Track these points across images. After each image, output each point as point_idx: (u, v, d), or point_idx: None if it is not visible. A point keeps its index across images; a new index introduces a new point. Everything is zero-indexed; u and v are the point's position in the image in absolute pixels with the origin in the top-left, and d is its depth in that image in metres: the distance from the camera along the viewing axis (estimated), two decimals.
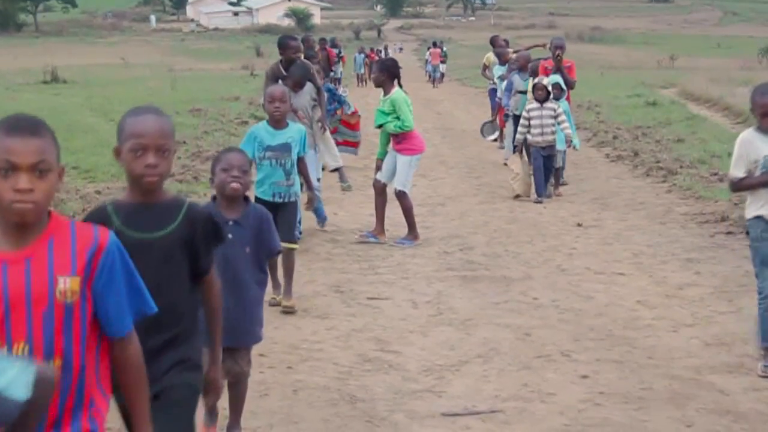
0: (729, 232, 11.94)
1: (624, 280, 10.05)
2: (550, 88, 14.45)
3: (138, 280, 3.35)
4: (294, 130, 9.02)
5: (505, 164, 16.60)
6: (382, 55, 47.68)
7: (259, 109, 17.46)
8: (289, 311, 8.74)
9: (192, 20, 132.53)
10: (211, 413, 5.78)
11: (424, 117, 24.47)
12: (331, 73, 27.19)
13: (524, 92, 15.82)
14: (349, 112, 15.49)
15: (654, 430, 6.31)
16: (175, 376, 4.01)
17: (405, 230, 11.83)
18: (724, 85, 32.35)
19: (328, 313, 8.94)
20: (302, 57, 13.75)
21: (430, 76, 47.46)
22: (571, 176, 16.09)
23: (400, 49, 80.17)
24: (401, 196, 11.68)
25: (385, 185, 11.77)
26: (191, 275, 4.18)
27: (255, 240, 5.78)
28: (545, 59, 16.05)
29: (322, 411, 6.61)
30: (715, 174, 15.53)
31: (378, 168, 11.85)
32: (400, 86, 11.64)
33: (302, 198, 9.85)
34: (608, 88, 33.64)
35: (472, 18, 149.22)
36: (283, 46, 12.57)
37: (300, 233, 11.44)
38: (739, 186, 7.31)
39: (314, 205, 10.28)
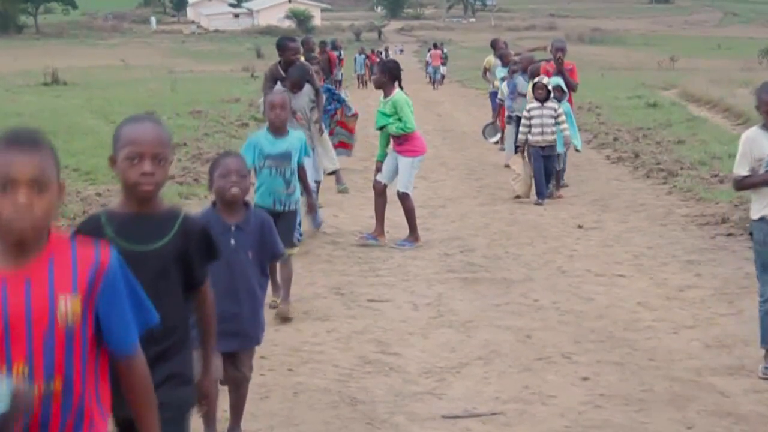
0: (730, 234, 11.94)
1: (624, 282, 10.04)
2: (550, 88, 14.43)
3: (140, 293, 3.28)
4: (294, 138, 8.96)
5: (507, 166, 16.59)
6: (383, 56, 47.67)
7: (260, 111, 17.45)
8: (285, 317, 8.68)
9: (192, 22, 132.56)
10: (208, 423, 5.72)
11: (424, 119, 24.44)
12: (332, 76, 27.20)
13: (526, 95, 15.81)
14: (350, 114, 15.47)
15: (654, 431, 6.31)
16: (166, 393, 3.84)
17: (405, 232, 11.83)
18: (724, 86, 32.36)
19: (329, 315, 8.94)
20: (302, 59, 13.75)
21: (430, 78, 47.44)
22: (571, 178, 16.09)
23: (401, 50, 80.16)
24: (404, 197, 11.67)
25: (385, 186, 11.77)
26: (184, 287, 4.11)
27: (257, 244, 5.74)
28: (547, 61, 16.04)
29: (323, 413, 6.62)
30: (716, 175, 15.52)
31: (378, 170, 11.85)
32: (401, 88, 11.64)
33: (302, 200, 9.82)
34: (608, 90, 33.65)
35: (473, 19, 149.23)
36: (282, 47, 12.57)
37: (300, 235, 11.43)
38: (743, 184, 7.26)
39: (315, 211, 10.20)
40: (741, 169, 7.16)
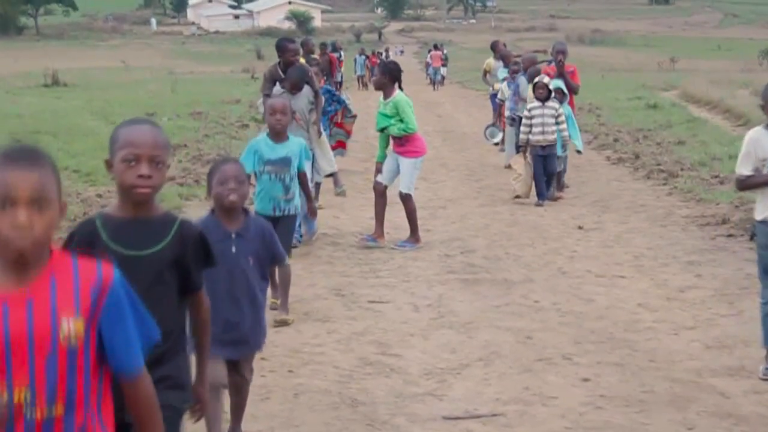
0: (730, 235, 11.94)
1: (625, 283, 10.04)
2: (551, 88, 14.42)
3: (142, 309, 3.21)
4: (294, 144, 8.96)
5: (508, 167, 16.58)
6: (383, 57, 47.65)
7: (259, 111, 17.44)
8: (282, 324, 8.63)
9: (193, 23, 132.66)
10: (212, 425, 5.61)
11: (425, 119, 24.45)
12: (333, 78, 27.19)
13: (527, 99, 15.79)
14: (350, 116, 15.45)
15: None
16: (158, 395, 3.65)
17: (405, 233, 11.83)
18: (724, 87, 32.38)
19: (329, 317, 8.94)
20: (302, 60, 13.75)
21: (431, 80, 47.42)
22: (571, 179, 16.08)
23: (401, 51, 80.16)
24: (406, 198, 11.67)
25: (386, 188, 11.76)
26: (180, 292, 4.06)
27: (258, 250, 5.71)
28: (548, 63, 16.03)
29: (323, 414, 6.62)
30: (716, 176, 15.53)
31: (378, 171, 11.83)
32: (401, 89, 11.63)
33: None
34: (609, 91, 33.65)
35: (473, 21, 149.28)
36: (281, 48, 12.56)
37: (300, 236, 11.43)
38: (746, 184, 7.21)
39: (314, 217, 10.12)
40: (744, 169, 7.10)
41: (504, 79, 18.53)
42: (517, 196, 14.56)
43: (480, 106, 29.39)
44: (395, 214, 12.12)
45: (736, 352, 7.81)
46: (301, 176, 9.06)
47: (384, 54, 53.70)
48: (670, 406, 6.72)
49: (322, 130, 12.80)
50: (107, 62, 62.79)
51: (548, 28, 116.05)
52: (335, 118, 15.02)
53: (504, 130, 18.58)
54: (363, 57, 46.69)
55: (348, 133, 15.54)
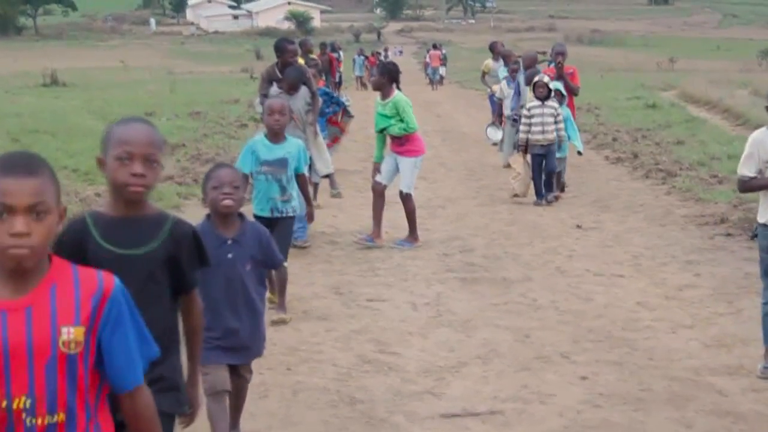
0: (728, 234, 11.94)
1: (623, 282, 10.05)
2: (551, 87, 14.39)
3: (142, 326, 3.17)
4: (292, 145, 8.91)
5: (507, 166, 16.58)
6: (382, 57, 47.60)
7: (255, 111, 17.45)
8: (280, 323, 8.62)
9: (192, 23, 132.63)
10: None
11: (424, 119, 24.43)
12: (333, 78, 27.17)
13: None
14: (348, 117, 15.42)
15: (653, 431, 6.31)
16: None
17: (404, 232, 11.83)
18: (723, 87, 32.37)
19: (328, 315, 8.95)
20: (301, 61, 13.74)
21: (430, 80, 47.33)
22: (570, 178, 16.07)
23: (400, 52, 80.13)
24: (407, 198, 11.67)
25: (384, 188, 11.75)
26: (173, 292, 4.02)
27: (255, 256, 5.67)
28: (549, 64, 15.99)
29: (322, 412, 6.62)
30: (715, 176, 15.53)
31: (376, 171, 11.81)
32: (399, 89, 11.61)
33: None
34: (608, 91, 33.65)
35: (472, 21, 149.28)
36: (280, 49, 12.54)
37: (304, 236, 11.40)
38: (749, 186, 7.13)
39: (311, 221, 9.95)
40: (746, 170, 7.03)
41: (504, 78, 18.48)
42: (516, 195, 14.56)
43: (479, 106, 29.37)
44: (394, 213, 12.12)
45: (734, 351, 7.82)
46: (301, 179, 9.00)
47: (383, 54, 53.67)
48: (668, 404, 6.72)
49: (318, 131, 12.78)
50: (106, 62, 62.76)
51: (547, 28, 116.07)
52: (334, 119, 15.00)
53: (503, 129, 18.53)
54: (362, 57, 46.63)
55: (342, 131, 15.52)
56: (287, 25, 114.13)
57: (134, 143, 3.77)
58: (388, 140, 11.74)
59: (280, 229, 8.65)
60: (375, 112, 11.76)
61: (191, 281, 4.07)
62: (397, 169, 11.72)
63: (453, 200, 14.90)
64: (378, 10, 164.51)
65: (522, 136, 14.52)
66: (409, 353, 7.87)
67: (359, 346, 8.06)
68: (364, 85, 43.38)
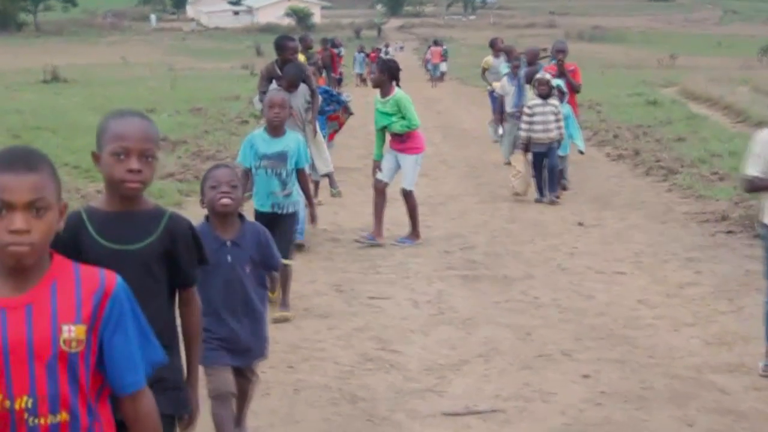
0: (729, 231, 11.94)
1: (624, 280, 10.05)
2: (553, 84, 14.33)
3: (147, 328, 3.11)
4: (291, 139, 8.82)
5: (508, 163, 16.56)
6: (383, 54, 47.52)
7: (255, 108, 17.43)
8: (283, 320, 8.63)
9: (192, 19, 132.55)
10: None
11: (424, 116, 24.38)
12: (335, 75, 27.17)
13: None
14: (348, 115, 15.40)
15: (655, 429, 6.32)
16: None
17: (405, 229, 11.83)
18: (724, 84, 32.36)
19: (329, 313, 8.95)
20: (301, 56, 13.71)
21: (431, 76, 47.18)
22: (571, 175, 16.04)
23: (401, 48, 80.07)
24: (409, 195, 11.66)
25: (386, 185, 11.72)
26: (170, 289, 3.96)
27: (255, 258, 5.58)
28: (551, 61, 15.96)
29: (323, 410, 6.63)
30: (716, 173, 15.53)
31: (377, 169, 11.77)
32: (399, 87, 11.56)
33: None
34: (609, 87, 33.63)
35: (473, 17, 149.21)
36: (280, 46, 12.46)
37: (302, 233, 11.39)
38: (754, 186, 7.04)
39: (315, 221, 9.78)
40: (752, 170, 6.95)
41: (505, 75, 18.39)
42: (516, 194, 14.52)
43: (480, 103, 29.34)
44: (395, 210, 12.12)
45: (735, 349, 7.82)
46: (301, 174, 8.89)
47: (384, 50, 53.58)
48: (669, 402, 6.73)
49: (318, 129, 12.74)
50: (107, 58, 62.72)
51: (548, 24, 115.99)
52: (334, 116, 14.97)
53: (502, 126, 18.48)
54: (362, 55, 46.51)
55: (340, 126, 15.50)
56: (287, 21, 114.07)
57: (130, 138, 3.69)
58: (388, 138, 11.72)
59: (281, 227, 8.62)
60: (375, 110, 11.72)
61: (189, 277, 4.01)
62: (397, 167, 11.70)
63: (454, 197, 14.90)
64: (378, 6, 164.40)
65: (523, 134, 14.41)
66: (410, 351, 7.87)
67: (361, 343, 8.06)
68: (364, 81, 43.31)
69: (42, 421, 2.90)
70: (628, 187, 15.54)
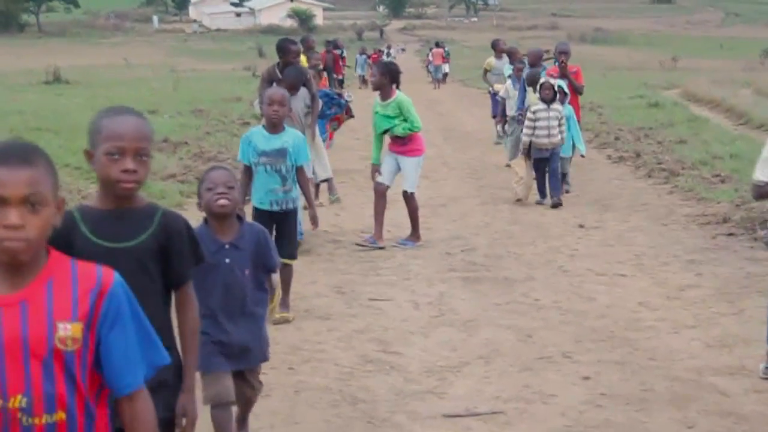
0: (731, 234, 11.93)
1: (626, 282, 10.04)
2: (556, 89, 14.27)
3: (148, 327, 3.05)
4: (290, 136, 8.76)
5: (508, 166, 16.56)
6: (385, 56, 47.50)
7: (256, 110, 17.43)
8: (283, 321, 8.63)
9: (194, 21, 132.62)
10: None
11: (426, 118, 24.45)
12: (337, 76, 27.15)
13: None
14: (349, 117, 15.41)
15: (655, 431, 6.31)
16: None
17: (406, 231, 11.82)
18: (726, 86, 32.37)
19: (330, 314, 8.95)
20: (303, 58, 13.68)
21: (432, 78, 47.13)
22: (572, 178, 16.04)
23: (403, 50, 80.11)
24: (411, 197, 11.64)
25: (387, 188, 11.69)
26: (166, 289, 3.91)
27: (253, 260, 5.50)
28: (554, 63, 15.93)
29: (324, 412, 6.62)
30: (717, 175, 15.52)
31: (376, 172, 11.71)
32: (399, 90, 11.52)
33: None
34: (611, 89, 33.63)
35: (475, 19, 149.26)
36: (282, 49, 12.40)
37: (301, 234, 11.39)
38: (764, 191, 6.91)
39: (317, 225, 9.67)
40: (762, 175, 6.81)
41: (509, 77, 18.34)
42: (519, 200, 14.40)
43: (482, 105, 29.33)
44: (396, 212, 12.12)
45: (736, 351, 7.81)
46: (300, 173, 8.81)
47: (386, 52, 53.56)
48: (670, 404, 6.72)
49: (318, 134, 12.71)
50: (109, 60, 62.72)
51: (550, 26, 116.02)
52: (336, 117, 14.98)
53: (504, 128, 18.46)
54: (364, 56, 46.44)
55: (339, 125, 15.51)
56: (289, 23, 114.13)
57: (125, 138, 3.63)
58: (386, 141, 11.68)
59: (285, 225, 8.64)
60: (374, 114, 11.64)
61: (184, 274, 3.94)
62: (397, 169, 11.67)
63: (455, 199, 14.89)
64: (381, 8, 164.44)
65: (525, 139, 14.31)
66: (411, 353, 7.87)
67: (361, 345, 8.06)
68: (366, 82, 43.29)
69: (37, 420, 2.84)
70: (629, 190, 15.53)
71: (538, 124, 14.04)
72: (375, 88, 11.78)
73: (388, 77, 11.40)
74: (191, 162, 17.25)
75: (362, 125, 20.08)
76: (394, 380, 7.24)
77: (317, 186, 13.07)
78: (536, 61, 16.06)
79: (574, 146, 15.11)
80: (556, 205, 14.02)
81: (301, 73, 11.97)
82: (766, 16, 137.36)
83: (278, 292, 8.62)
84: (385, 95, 11.41)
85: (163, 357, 3.12)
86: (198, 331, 4.07)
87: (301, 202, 9.29)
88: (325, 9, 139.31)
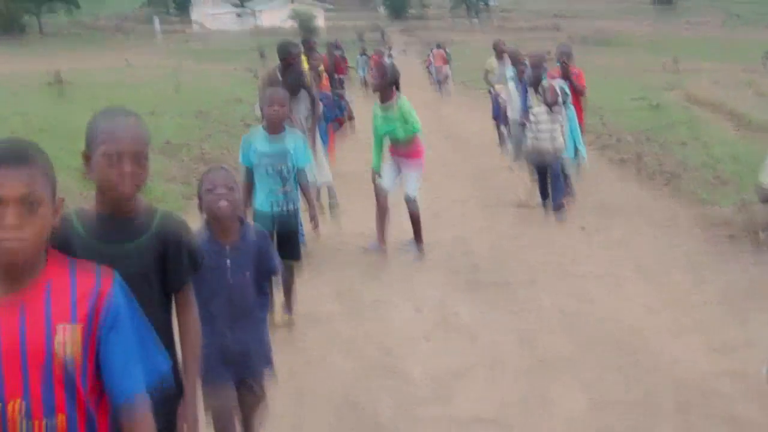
0: (733, 237, 11.92)
1: (628, 286, 10.03)
2: (559, 93, 14.20)
3: (149, 330, 3.03)
4: (292, 137, 8.71)
5: (510, 168, 16.54)
6: (386, 57, 47.39)
7: (256, 116, 17.43)
8: (286, 325, 8.62)
9: (196, 23, 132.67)
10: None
11: (426, 120, 24.45)
12: (339, 76, 27.10)
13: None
14: (348, 119, 15.42)
15: None
16: None
17: (407, 235, 11.81)
18: (727, 88, 32.33)
19: (332, 320, 8.94)
20: (304, 59, 13.66)
21: (435, 80, 46.96)
22: (574, 181, 16.01)
23: (404, 51, 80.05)
24: (413, 202, 11.61)
25: (388, 193, 11.66)
26: (166, 295, 3.86)
27: (255, 264, 5.43)
28: (555, 62, 15.89)
29: (327, 417, 6.63)
30: (719, 178, 15.50)
31: (377, 177, 11.68)
32: (398, 91, 11.48)
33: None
34: (612, 92, 33.58)
35: (476, 21, 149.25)
36: (283, 53, 12.40)
37: (302, 236, 11.36)
38: None
39: (317, 226, 9.68)
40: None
41: (511, 79, 18.24)
42: (522, 205, 14.37)
43: (483, 107, 29.27)
44: (397, 216, 12.10)
45: (739, 356, 7.80)
46: (301, 175, 8.73)
47: (387, 53, 53.49)
48: (673, 409, 6.72)
49: (318, 139, 12.68)
50: (110, 61, 62.64)
51: (552, 28, 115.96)
52: (334, 126, 15.00)
53: (506, 128, 18.42)
54: (364, 57, 46.28)
55: (340, 126, 15.52)
56: (291, 24, 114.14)
57: (123, 141, 3.58)
58: (388, 145, 11.65)
59: (286, 227, 8.60)
60: (374, 118, 11.59)
61: (182, 279, 3.89)
62: (398, 174, 11.65)
63: (457, 203, 14.87)
64: (381, 9, 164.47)
65: (528, 142, 14.25)
66: (413, 358, 7.87)
67: (364, 350, 8.06)
68: (366, 84, 43.23)
69: (36, 424, 2.81)
70: (630, 193, 15.51)
71: (540, 127, 13.96)
72: (375, 91, 11.71)
73: (388, 80, 11.34)
74: (193, 164, 17.25)
75: (363, 127, 20.06)
76: (397, 386, 7.24)
77: (318, 190, 13.05)
78: (538, 63, 15.98)
79: (576, 149, 15.05)
80: (558, 209, 13.97)
81: (302, 77, 11.95)
82: (767, 18, 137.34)
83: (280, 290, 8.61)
84: (386, 98, 11.36)
85: (163, 363, 3.10)
86: (199, 336, 4.02)
87: (302, 204, 9.23)
88: (326, 11, 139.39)
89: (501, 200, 14.92)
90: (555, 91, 14.00)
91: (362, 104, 23.34)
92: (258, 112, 12.85)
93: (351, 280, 10.33)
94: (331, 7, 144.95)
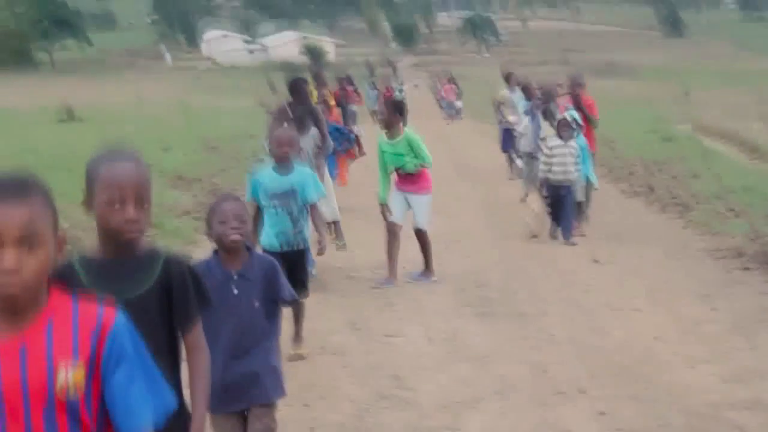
0: (746, 268, 11.89)
1: (640, 316, 10.01)
2: (574, 126, 14.12)
3: (154, 371, 2.91)
4: (300, 174, 8.69)
5: (523, 201, 16.53)
6: (397, 92, 47.39)
7: (266, 150, 17.46)
8: (297, 358, 8.60)
9: (207, 58, 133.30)
10: None
11: (438, 153, 24.46)
12: (349, 107, 27.18)
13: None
14: (360, 153, 15.46)
15: None
16: None
17: (418, 266, 11.80)
18: (739, 119, 32.30)
19: (344, 350, 8.93)
20: (314, 93, 13.69)
21: (446, 114, 46.98)
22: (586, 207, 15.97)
23: (416, 86, 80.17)
24: (423, 234, 11.62)
25: (400, 228, 11.65)
26: (173, 337, 3.76)
27: (263, 291, 5.38)
28: (565, 87, 15.88)
29: None
30: (732, 209, 15.47)
31: (387, 210, 11.63)
32: (405, 126, 11.55)
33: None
34: (624, 123, 33.58)
35: (487, 54, 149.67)
36: (294, 89, 12.43)
37: (312, 265, 11.31)
38: None
39: (323, 254, 9.40)
40: None
41: (524, 112, 18.17)
42: (534, 236, 14.28)
43: (494, 139, 29.34)
44: (408, 247, 12.10)
45: (753, 385, 7.77)
46: (313, 210, 8.74)
47: (398, 88, 53.50)
48: None
49: (327, 174, 12.69)
50: (122, 97, 62.83)
51: (562, 61, 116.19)
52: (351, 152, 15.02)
53: (518, 160, 18.40)
54: (375, 92, 46.14)
55: (353, 160, 15.57)
56: (302, 59, 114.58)
57: (125, 185, 3.50)
58: (396, 178, 11.65)
59: (294, 266, 8.39)
60: (380, 153, 11.63)
61: (190, 319, 3.80)
62: (407, 207, 11.64)
63: (468, 234, 14.87)
64: (393, 44, 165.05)
65: (541, 175, 14.21)
66: (425, 388, 7.85)
67: (376, 381, 8.04)
68: (376, 117, 43.14)
69: None
70: (643, 224, 15.49)
71: (554, 160, 13.93)
72: (385, 126, 11.70)
73: (397, 114, 11.45)
74: (205, 198, 17.27)
75: (375, 160, 20.09)
76: (409, 416, 7.22)
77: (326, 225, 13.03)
78: (550, 96, 15.94)
79: (587, 178, 15.00)
80: (568, 238, 13.92)
81: (312, 113, 12.00)
82: None
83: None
84: (395, 132, 11.43)
85: (169, 401, 2.98)
86: (208, 374, 3.91)
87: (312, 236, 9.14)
88: (337, 45, 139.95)
89: (513, 232, 14.88)
90: (568, 122, 13.98)
91: (373, 138, 23.35)
92: (267, 148, 12.88)
93: (363, 312, 10.32)
94: (342, 41, 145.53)
